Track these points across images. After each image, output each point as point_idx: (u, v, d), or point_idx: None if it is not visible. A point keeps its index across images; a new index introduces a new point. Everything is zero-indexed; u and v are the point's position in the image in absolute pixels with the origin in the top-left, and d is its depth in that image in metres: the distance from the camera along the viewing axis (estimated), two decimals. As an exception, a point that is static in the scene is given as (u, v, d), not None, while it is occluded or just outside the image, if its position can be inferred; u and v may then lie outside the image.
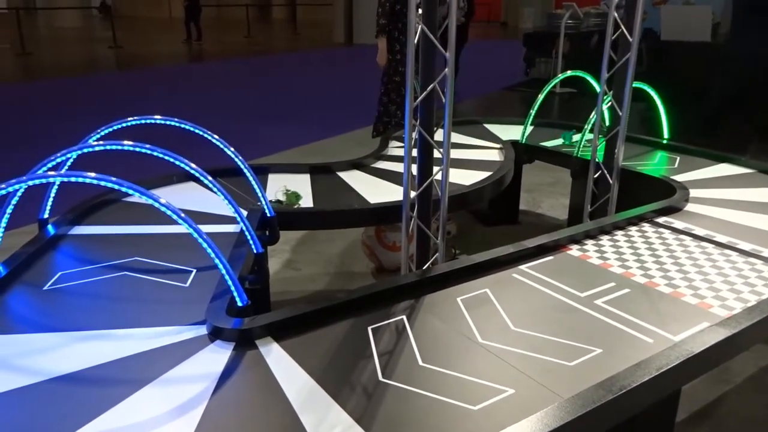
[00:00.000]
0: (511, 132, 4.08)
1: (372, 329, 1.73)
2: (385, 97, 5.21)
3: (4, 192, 1.62)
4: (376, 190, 2.90)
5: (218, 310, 1.74)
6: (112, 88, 10.00)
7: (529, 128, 3.93)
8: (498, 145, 3.77)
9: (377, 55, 5.01)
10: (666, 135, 3.79)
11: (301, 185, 2.99)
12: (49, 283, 1.95)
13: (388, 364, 1.58)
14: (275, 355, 1.59)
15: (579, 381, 1.49)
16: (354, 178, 3.11)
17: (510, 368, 1.55)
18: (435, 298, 1.92)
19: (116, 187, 1.66)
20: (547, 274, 2.08)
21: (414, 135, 2.23)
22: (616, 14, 2.83)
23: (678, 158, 3.53)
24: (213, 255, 1.71)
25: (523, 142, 3.84)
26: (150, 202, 1.67)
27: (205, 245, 1.70)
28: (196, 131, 2.31)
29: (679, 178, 3.12)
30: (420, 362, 1.58)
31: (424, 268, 2.28)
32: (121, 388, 1.44)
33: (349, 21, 17.57)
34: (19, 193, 1.92)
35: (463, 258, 2.13)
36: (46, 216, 2.33)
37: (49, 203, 2.32)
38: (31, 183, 1.66)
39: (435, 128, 2.24)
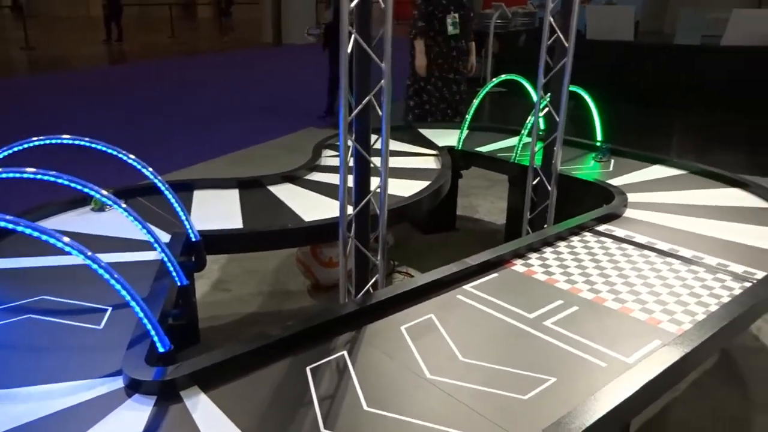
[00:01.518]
0: (446, 137, 4.00)
1: (311, 369, 1.58)
2: (423, 99, 5.17)
3: None
4: (310, 206, 2.75)
5: (136, 357, 1.55)
6: (23, 94, 9.35)
7: (465, 132, 3.86)
8: (434, 152, 3.68)
9: (416, 58, 5.03)
10: (599, 137, 3.80)
11: (229, 202, 2.80)
12: (-64, 334, 1.70)
13: (330, 410, 1.43)
14: (203, 409, 1.42)
15: (535, 418, 1.40)
16: (287, 193, 2.94)
17: (462, 407, 1.44)
18: (377, 327, 1.79)
19: (10, 226, 1.45)
20: (492, 293, 1.99)
21: (350, 151, 2.09)
22: (551, 18, 2.78)
23: (612, 161, 3.53)
24: (128, 297, 1.52)
25: (459, 148, 3.77)
26: (51, 242, 1.46)
27: (117, 287, 1.51)
28: (108, 152, 2.09)
29: (615, 181, 3.11)
30: (365, 406, 1.45)
31: (363, 293, 2.14)
32: (18, 465, 1.24)
33: (278, 21, 17.21)
34: None
35: (402, 278, 2.02)
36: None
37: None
38: None
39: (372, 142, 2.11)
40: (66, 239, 1.48)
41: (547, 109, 3.00)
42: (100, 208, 2.59)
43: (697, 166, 3.30)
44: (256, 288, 3.28)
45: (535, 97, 3.05)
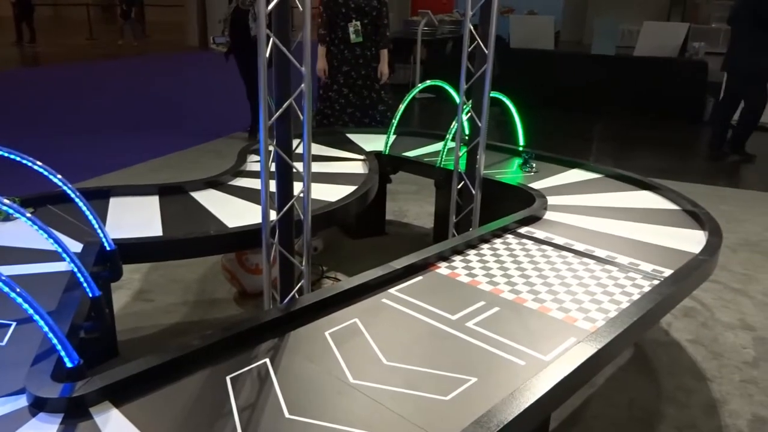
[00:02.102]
0: (374, 142, 4.01)
1: (231, 379, 1.54)
2: (326, 105, 5.14)
3: None
4: (234, 212, 2.69)
5: (42, 374, 1.46)
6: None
7: (392, 137, 3.88)
8: (361, 157, 3.68)
9: (318, 62, 5.02)
10: (521, 142, 3.92)
11: (148, 210, 2.71)
12: None
13: (251, 419, 1.40)
14: (115, 425, 1.35)
15: (456, 418, 1.41)
16: (209, 199, 2.87)
17: (385, 411, 1.44)
18: (301, 334, 1.77)
19: None
20: (417, 296, 2.00)
21: (270, 149, 2.05)
22: (471, 26, 2.84)
23: (534, 165, 3.64)
24: (30, 310, 1.43)
25: (387, 152, 3.79)
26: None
27: (19, 300, 1.42)
28: (12, 157, 1.97)
29: (536, 185, 3.21)
30: (286, 414, 1.42)
31: (288, 300, 2.11)
32: None
33: (203, 24, 16.83)
34: None
35: (331, 284, 2.00)
36: None
37: None
38: None
39: (294, 148, 2.09)
40: (-39, 250, 1.39)
41: (470, 114, 3.06)
42: (5, 218, 2.45)
43: (611, 170, 3.45)
44: (180, 297, 3.17)
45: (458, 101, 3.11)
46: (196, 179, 3.04)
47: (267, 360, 1.63)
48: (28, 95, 9.43)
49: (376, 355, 1.67)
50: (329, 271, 3.48)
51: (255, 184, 3.08)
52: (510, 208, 2.82)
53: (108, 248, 2.15)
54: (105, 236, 2.15)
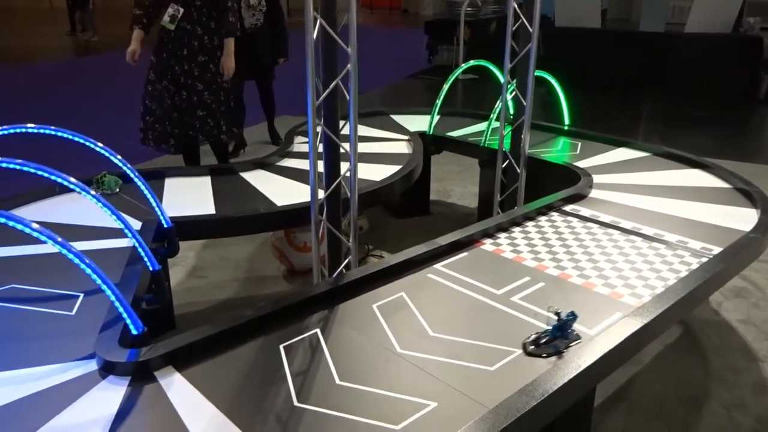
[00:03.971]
0: (418, 122, 4.04)
1: (284, 347, 1.62)
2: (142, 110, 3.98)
3: None
4: (282, 191, 2.77)
5: (110, 340, 1.56)
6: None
7: (436, 118, 3.90)
8: (405, 137, 3.72)
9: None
10: (567, 121, 3.88)
11: (201, 189, 2.81)
12: None
13: (303, 385, 1.47)
14: (177, 388, 1.44)
15: (501, 387, 1.45)
16: (258, 179, 2.96)
17: (431, 379, 1.49)
18: (350, 306, 1.83)
19: (-23, 211, 1.45)
20: (462, 271, 2.04)
21: (318, 130, 2.11)
22: (515, 5, 2.83)
23: (579, 144, 3.61)
24: (99, 281, 1.53)
25: (431, 133, 3.81)
26: (19, 227, 1.47)
27: (88, 270, 1.52)
28: (76, 139, 2.08)
29: (582, 164, 3.18)
30: (337, 380, 1.49)
31: (336, 274, 2.18)
32: (-5, 444, 1.25)
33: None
34: None
35: (376, 261, 2.06)
36: None
37: None
38: None
39: (341, 126, 2.14)
40: (35, 225, 1.49)
41: (514, 93, 3.06)
42: (108, 188, 2.57)
43: (660, 149, 3.40)
44: (231, 274, 3.29)
45: (502, 81, 3.11)
46: (245, 161, 3.13)
47: (317, 330, 1.70)
48: (82, 84, 9.75)
49: (423, 326, 1.72)
50: (374, 249, 3.54)
51: (301, 164, 3.16)
52: (555, 187, 2.81)
53: (165, 225, 2.26)
54: (163, 214, 2.25)
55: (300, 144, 3.51)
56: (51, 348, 1.58)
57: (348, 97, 2.06)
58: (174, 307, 2.62)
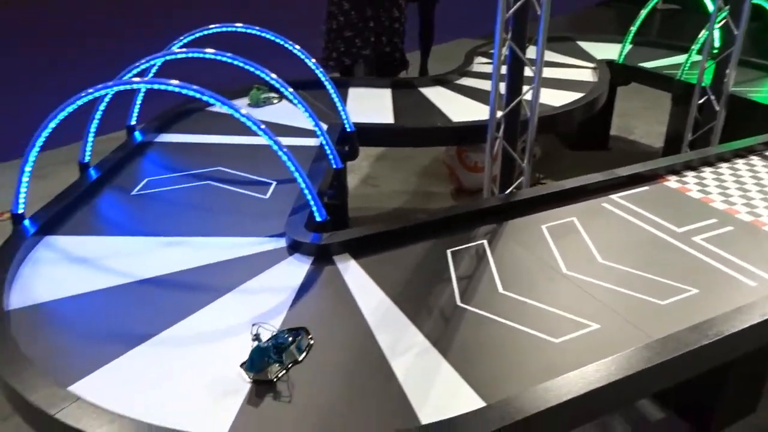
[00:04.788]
0: (607, 51, 3.78)
1: (451, 252, 1.68)
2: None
3: (91, 97, 1.63)
4: (459, 109, 2.78)
5: (297, 224, 1.73)
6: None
7: (628, 47, 3.62)
8: (592, 65, 3.51)
9: None
10: (786, 58, 3.41)
11: (382, 100, 2.91)
12: (137, 189, 2.00)
13: (467, 288, 1.53)
14: (352, 272, 1.58)
15: (671, 321, 1.40)
16: (437, 95, 2.99)
17: (595, 302, 1.48)
18: (518, 224, 1.84)
19: (198, 95, 1.65)
20: (640, 205, 1.95)
21: (504, 51, 2.08)
22: None
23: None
24: (293, 168, 1.69)
25: (621, 61, 3.56)
26: (230, 112, 1.65)
27: (285, 158, 1.68)
28: (277, 41, 2.24)
29: (798, 107, 2.81)
30: (500, 289, 1.53)
31: (508, 192, 2.18)
32: (203, 294, 1.48)
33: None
34: (106, 99, 1.95)
35: (549, 184, 2.03)
36: (133, 123, 2.38)
37: (136, 110, 2.36)
38: (117, 89, 1.66)
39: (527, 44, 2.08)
40: (244, 111, 1.66)
41: (724, 22, 2.73)
42: (255, 103, 2.79)
43: None
44: (401, 186, 3.43)
45: (711, 8, 2.79)
46: (424, 77, 3.17)
47: (485, 242, 1.74)
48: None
49: (592, 252, 1.69)
50: (545, 178, 3.47)
51: (480, 84, 3.13)
52: (757, 131, 2.52)
53: (348, 129, 2.39)
54: (347, 119, 2.38)
55: (479, 65, 3.47)
56: (248, 224, 1.79)
57: (539, 11, 1.99)
58: (348, 210, 2.81)
